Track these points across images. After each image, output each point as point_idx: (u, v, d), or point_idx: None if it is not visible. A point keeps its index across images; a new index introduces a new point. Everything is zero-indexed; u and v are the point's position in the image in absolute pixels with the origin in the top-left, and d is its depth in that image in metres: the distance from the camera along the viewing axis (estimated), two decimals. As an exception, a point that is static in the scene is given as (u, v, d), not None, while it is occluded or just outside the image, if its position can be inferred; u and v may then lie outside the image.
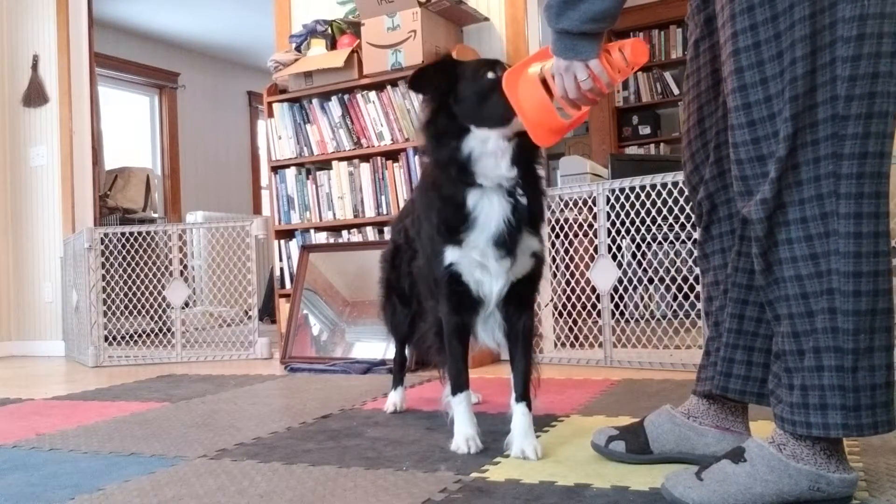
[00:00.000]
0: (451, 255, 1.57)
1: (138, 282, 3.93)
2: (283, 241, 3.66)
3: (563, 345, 3.24)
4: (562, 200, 3.16)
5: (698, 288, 2.68)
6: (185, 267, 4.75)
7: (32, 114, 4.66)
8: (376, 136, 3.39)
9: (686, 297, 2.86)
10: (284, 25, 3.96)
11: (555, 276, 3.17)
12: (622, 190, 2.92)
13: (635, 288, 3.22)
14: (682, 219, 2.74)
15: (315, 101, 3.54)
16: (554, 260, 3.14)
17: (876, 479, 1.29)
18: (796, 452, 1.14)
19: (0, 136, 4.74)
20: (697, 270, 2.40)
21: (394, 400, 2.10)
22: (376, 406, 2.19)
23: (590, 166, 4.05)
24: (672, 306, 3.15)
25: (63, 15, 4.57)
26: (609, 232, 2.93)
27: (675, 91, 6.55)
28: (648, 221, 2.87)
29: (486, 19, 3.42)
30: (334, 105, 3.49)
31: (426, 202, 1.63)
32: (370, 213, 3.42)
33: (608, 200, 2.94)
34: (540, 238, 1.62)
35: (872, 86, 1.09)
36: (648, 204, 2.85)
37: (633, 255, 3.05)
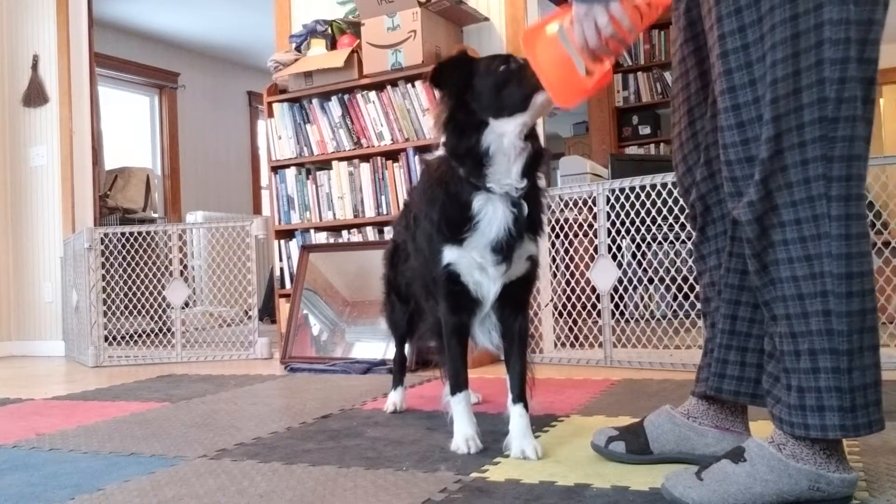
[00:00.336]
0: (449, 254, 1.58)
1: (138, 282, 3.93)
2: (283, 241, 3.66)
3: (563, 345, 3.24)
4: (562, 200, 3.16)
5: (698, 288, 2.68)
6: (185, 267, 4.76)
7: (32, 114, 4.66)
8: (376, 136, 3.39)
9: (686, 297, 2.86)
10: (284, 25, 3.96)
11: (555, 276, 3.17)
12: (622, 190, 2.92)
13: (635, 288, 3.22)
14: (683, 219, 2.74)
15: (315, 101, 3.54)
16: (554, 260, 3.14)
17: (876, 479, 1.29)
18: (796, 452, 1.14)
19: (0, 136, 4.74)
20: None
21: (394, 400, 2.10)
22: (376, 406, 2.19)
23: (590, 166, 4.05)
24: (672, 306, 3.15)
25: (63, 15, 4.57)
26: (609, 232, 2.93)
27: (675, 91, 6.54)
28: (648, 221, 2.87)
29: (486, 19, 3.42)
30: (334, 105, 3.49)
31: (427, 200, 1.63)
32: (370, 213, 3.42)
33: (608, 200, 2.94)
34: (537, 243, 1.63)
35: (861, 90, 1.09)
36: (648, 204, 2.85)
37: (633, 255, 3.05)
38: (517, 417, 1.58)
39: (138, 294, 3.96)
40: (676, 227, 2.77)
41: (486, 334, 1.68)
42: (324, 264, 3.47)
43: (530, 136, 1.56)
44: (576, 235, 3.15)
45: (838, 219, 1.09)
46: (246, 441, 1.79)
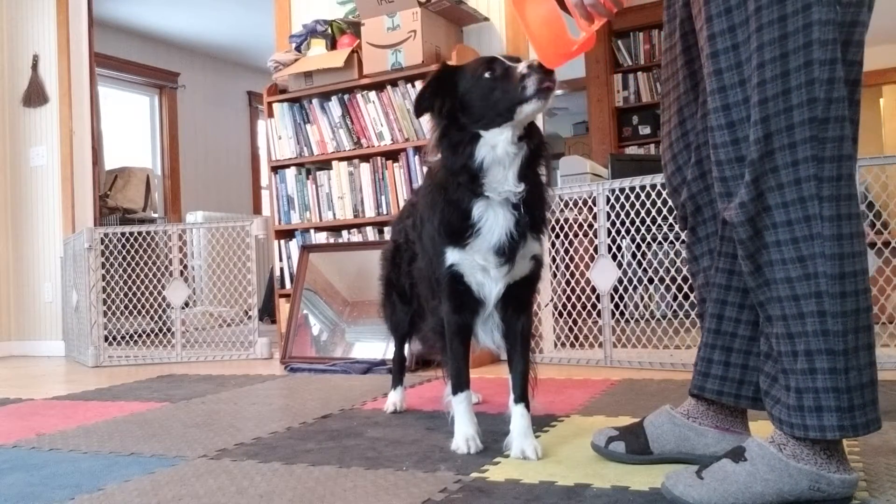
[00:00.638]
0: (452, 256, 1.58)
1: (138, 282, 3.93)
2: (283, 241, 3.66)
3: (563, 345, 3.24)
4: (562, 200, 3.16)
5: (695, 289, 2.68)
6: (185, 267, 4.75)
7: (32, 114, 4.66)
8: (376, 136, 3.39)
9: (686, 297, 2.86)
10: (284, 25, 3.96)
11: (555, 276, 3.17)
12: (622, 190, 2.92)
13: (635, 288, 3.22)
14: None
15: (315, 101, 3.54)
16: (554, 260, 3.14)
17: (876, 479, 1.29)
18: (796, 452, 1.14)
19: (0, 136, 4.74)
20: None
21: (394, 400, 2.10)
22: (376, 406, 2.19)
23: (590, 166, 4.05)
24: (672, 306, 3.15)
25: (63, 15, 4.58)
26: (609, 232, 2.93)
27: (675, 91, 6.54)
28: (648, 221, 2.87)
29: (486, 19, 3.42)
30: (334, 105, 3.49)
31: (430, 204, 1.64)
32: (370, 213, 3.42)
33: (608, 200, 2.94)
34: (541, 242, 1.63)
35: (848, 91, 1.09)
36: (648, 204, 2.85)
37: (633, 255, 3.05)
38: (518, 417, 1.58)
39: (138, 294, 3.96)
40: (676, 227, 2.77)
41: (488, 334, 1.67)
42: (324, 264, 3.47)
43: (526, 134, 1.54)
44: (576, 235, 3.15)
45: (830, 219, 1.09)
46: (246, 441, 1.79)
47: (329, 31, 3.57)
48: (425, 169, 2.57)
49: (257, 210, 8.07)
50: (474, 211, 1.54)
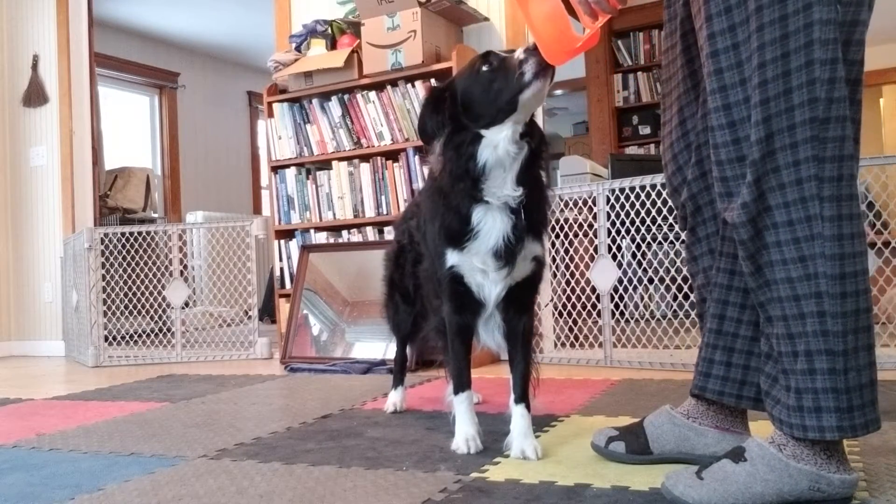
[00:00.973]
0: (452, 257, 1.58)
1: (138, 282, 3.93)
2: (283, 241, 3.66)
3: (563, 345, 3.24)
4: (562, 200, 3.16)
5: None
6: (185, 267, 4.75)
7: (32, 114, 4.66)
8: (376, 136, 3.39)
9: (686, 297, 2.86)
10: (284, 25, 3.96)
11: (555, 276, 3.17)
12: (622, 190, 2.92)
13: (635, 288, 3.22)
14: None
15: (315, 101, 3.54)
16: (554, 260, 3.14)
17: (876, 479, 1.29)
18: (796, 453, 1.14)
19: (0, 136, 4.74)
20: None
21: (394, 400, 2.10)
22: (376, 406, 2.19)
23: (590, 166, 4.05)
24: (672, 306, 3.15)
25: (63, 15, 4.58)
26: (609, 232, 2.93)
27: (675, 91, 6.54)
28: (648, 221, 2.87)
29: (486, 19, 3.42)
30: (334, 105, 3.49)
31: (432, 207, 1.64)
32: (370, 213, 3.42)
33: (608, 200, 2.94)
34: (542, 243, 1.62)
35: (849, 90, 1.09)
36: (648, 204, 2.85)
37: (633, 255, 3.05)
38: (518, 418, 1.58)
39: (138, 294, 3.96)
40: (676, 227, 2.77)
41: (489, 334, 1.68)
42: (324, 264, 3.47)
43: (528, 132, 1.54)
44: (576, 235, 3.15)
45: (831, 219, 1.09)
46: (246, 441, 1.79)
47: (329, 31, 3.57)
48: (426, 169, 2.58)
49: (257, 210, 8.07)
50: (473, 216, 1.54)
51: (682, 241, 2.85)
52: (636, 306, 3.51)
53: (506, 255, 1.54)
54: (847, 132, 1.10)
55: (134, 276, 3.93)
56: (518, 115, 1.50)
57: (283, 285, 3.64)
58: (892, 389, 2.11)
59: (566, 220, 3.16)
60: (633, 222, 2.90)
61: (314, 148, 3.56)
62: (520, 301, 1.63)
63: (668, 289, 3.16)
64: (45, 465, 1.66)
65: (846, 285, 1.09)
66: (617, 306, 3.00)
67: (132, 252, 3.94)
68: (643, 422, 1.49)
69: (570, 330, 3.21)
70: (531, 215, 1.56)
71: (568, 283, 3.17)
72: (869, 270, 1.13)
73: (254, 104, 8.01)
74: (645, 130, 6.74)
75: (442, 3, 3.19)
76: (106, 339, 3.88)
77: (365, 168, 3.43)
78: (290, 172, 3.63)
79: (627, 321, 3.23)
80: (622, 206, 2.91)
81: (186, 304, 4.00)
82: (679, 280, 2.93)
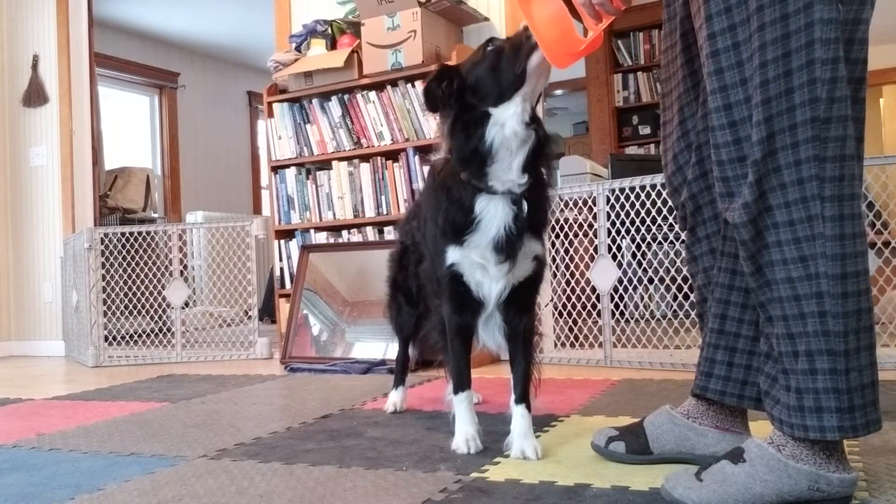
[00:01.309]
0: (452, 255, 1.58)
1: (138, 282, 3.93)
2: (283, 241, 3.66)
3: (563, 345, 3.24)
4: (562, 200, 3.16)
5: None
6: (185, 267, 4.75)
7: (32, 114, 4.66)
8: (376, 136, 3.39)
9: (686, 297, 2.86)
10: (284, 25, 3.96)
11: (555, 276, 3.17)
12: (622, 190, 2.92)
13: (635, 288, 3.22)
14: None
15: (315, 101, 3.54)
16: (554, 260, 3.14)
17: (876, 479, 1.29)
18: (796, 453, 1.14)
19: (0, 136, 4.74)
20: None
21: (394, 400, 2.10)
22: (376, 406, 2.19)
23: (590, 166, 4.05)
24: (672, 306, 3.15)
25: (63, 15, 4.58)
26: (609, 232, 2.93)
27: (675, 91, 6.54)
28: (648, 221, 2.87)
29: (486, 19, 3.42)
30: (334, 105, 3.49)
31: (433, 202, 1.64)
32: (370, 213, 3.42)
33: (608, 200, 2.94)
34: (542, 242, 1.62)
35: (852, 89, 1.09)
36: (648, 204, 2.85)
37: (633, 255, 3.05)
38: (519, 418, 1.58)
39: (138, 294, 3.96)
40: (676, 227, 2.77)
41: (490, 334, 1.67)
42: (324, 264, 3.47)
43: (533, 120, 1.54)
44: (576, 235, 3.15)
45: (832, 219, 1.09)
46: (246, 441, 1.79)
47: (329, 31, 3.57)
48: (426, 169, 2.57)
49: (257, 210, 8.07)
50: (476, 206, 1.53)
51: (682, 241, 2.85)
52: (636, 306, 3.51)
53: (507, 248, 1.53)
54: (849, 132, 1.09)
55: (134, 276, 3.93)
56: (526, 87, 1.50)
57: (283, 285, 3.64)
58: (892, 389, 2.11)
59: (566, 220, 3.16)
60: (633, 222, 2.90)
61: (314, 148, 3.56)
62: (521, 301, 1.63)
63: (668, 289, 3.16)
64: (45, 465, 1.66)
65: (847, 285, 1.09)
66: (617, 306, 3.00)
67: (132, 252, 3.94)
68: (643, 422, 1.49)
69: (570, 330, 3.22)
70: (532, 213, 1.56)
71: (568, 283, 3.17)
72: (869, 270, 1.13)
73: (254, 104, 8.01)
74: (645, 130, 6.74)
75: (442, 3, 3.19)
76: (106, 339, 3.88)
77: (365, 168, 3.43)
78: (290, 172, 3.63)
79: (627, 321, 3.23)
80: (622, 206, 2.91)
81: (186, 304, 4.00)
82: (679, 280, 2.93)
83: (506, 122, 1.50)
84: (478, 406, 2.07)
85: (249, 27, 6.81)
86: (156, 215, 6.07)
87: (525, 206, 1.54)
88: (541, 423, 1.81)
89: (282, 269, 3.65)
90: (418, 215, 1.85)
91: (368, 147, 3.41)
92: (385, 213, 3.37)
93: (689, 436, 1.42)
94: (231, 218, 5.34)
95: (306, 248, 3.51)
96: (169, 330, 4.13)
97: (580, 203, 3.15)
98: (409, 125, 3.30)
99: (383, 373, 2.88)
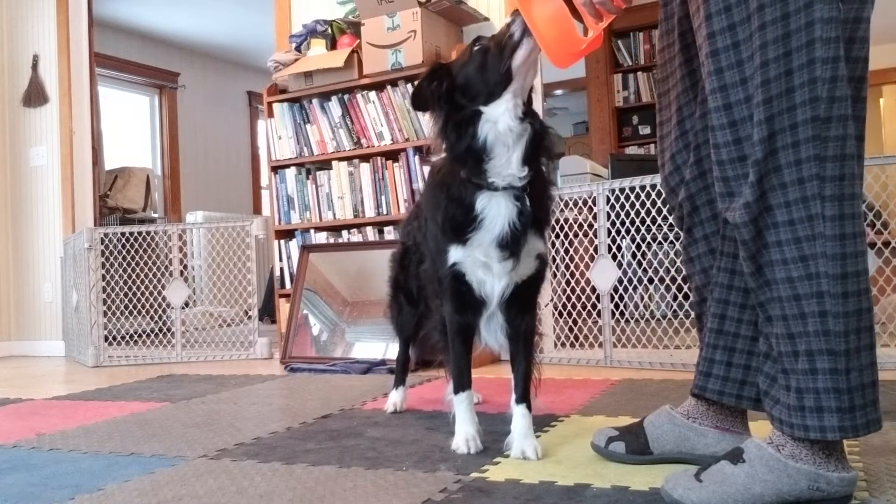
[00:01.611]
0: (454, 254, 1.57)
1: (138, 282, 3.93)
2: (283, 241, 3.66)
3: (563, 345, 3.24)
4: (562, 200, 3.16)
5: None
6: (185, 267, 4.75)
7: (32, 114, 4.66)
8: (376, 136, 3.39)
9: (686, 297, 2.86)
10: (284, 25, 3.96)
11: (555, 276, 3.17)
12: (622, 190, 2.92)
13: (635, 288, 3.22)
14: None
15: (315, 101, 3.54)
16: (554, 260, 3.14)
17: (876, 479, 1.29)
18: (795, 452, 1.14)
19: (0, 136, 4.74)
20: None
21: (394, 400, 2.10)
22: (376, 406, 2.19)
23: (590, 166, 4.05)
24: (672, 306, 3.15)
25: (63, 15, 4.58)
26: (609, 232, 2.93)
27: (675, 91, 6.55)
28: (648, 221, 2.87)
29: (486, 19, 3.42)
30: (334, 105, 3.49)
31: (433, 202, 1.64)
32: (370, 213, 3.42)
33: (608, 200, 2.94)
34: (545, 240, 1.62)
35: (853, 88, 1.09)
36: (648, 204, 2.85)
37: (633, 255, 3.05)
38: (519, 418, 1.58)
39: (138, 294, 3.96)
40: (676, 227, 2.77)
41: (492, 334, 1.67)
42: (324, 264, 3.47)
43: (528, 114, 1.53)
44: (576, 235, 3.15)
45: (832, 219, 1.09)
46: (246, 441, 1.79)
47: (329, 31, 3.57)
48: (426, 169, 2.58)
49: (257, 210, 8.07)
50: (477, 204, 1.53)
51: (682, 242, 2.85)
52: (636, 306, 3.51)
53: (511, 245, 1.53)
54: (849, 131, 1.09)
55: (134, 276, 3.93)
56: (515, 84, 1.50)
57: (283, 285, 3.64)
58: (892, 389, 2.11)
59: (566, 220, 3.16)
60: (633, 222, 2.90)
61: (314, 148, 3.56)
62: (523, 300, 1.62)
63: (668, 289, 3.16)
64: (45, 465, 1.66)
65: (848, 285, 1.09)
66: (617, 306, 3.00)
67: (132, 252, 3.94)
68: (643, 422, 1.49)
69: (570, 330, 3.21)
70: (535, 209, 1.55)
71: (568, 283, 3.17)
72: (869, 270, 1.13)
73: (254, 104, 8.01)
74: (645, 130, 6.74)
75: (442, 3, 3.19)
76: (106, 339, 3.88)
77: (365, 168, 3.43)
78: (290, 172, 3.63)
79: (627, 321, 3.23)
80: (622, 206, 2.91)
81: (186, 304, 4.00)
82: (679, 280, 2.93)
83: (498, 119, 1.50)
84: (478, 406, 2.07)
85: (249, 27, 6.81)
86: (156, 215, 6.07)
87: (528, 200, 1.53)
88: (541, 423, 1.81)
89: (282, 269, 3.65)
90: (419, 216, 1.85)
91: (368, 147, 3.41)
92: (385, 213, 3.37)
93: (689, 436, 1.42)
94: (231, 218, 5.34)
95: (306, 248, 3.51)
96: (169, 330, 4.13)
97: (580, 203, 3.15)
98: (409, 125, 3.30)
99: (383, 373, 2.88)
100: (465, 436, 1.60)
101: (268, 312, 5.36)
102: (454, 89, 1.55)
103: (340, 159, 3.49)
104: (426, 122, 3.23)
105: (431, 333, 1.85)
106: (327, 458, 1.59)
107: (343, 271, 3.42)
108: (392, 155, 3.37)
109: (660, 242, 3.01)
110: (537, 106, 3.25)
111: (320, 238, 3.58)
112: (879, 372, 1.14)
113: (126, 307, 4.07)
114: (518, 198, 1.52)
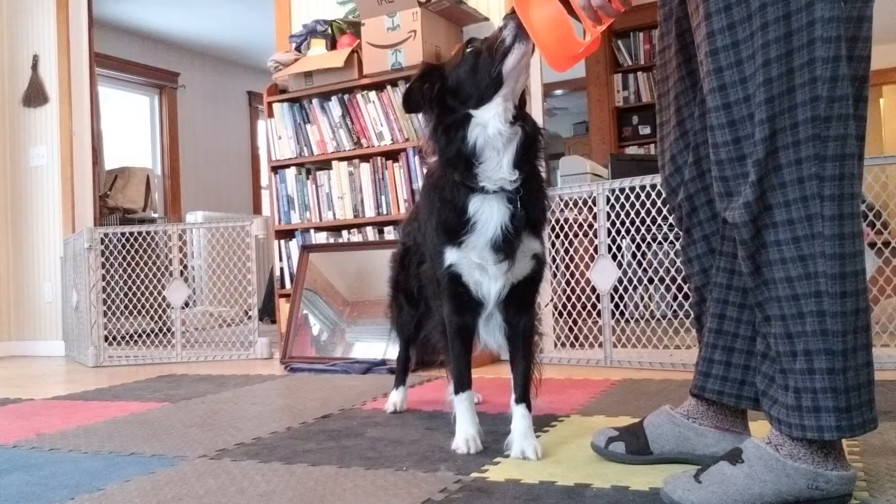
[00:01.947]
0: (450, 255, 1.58)
1: (138, 282, 3.93)
2: (283, 241, 3.66)
3: (563, 345, 3.24)
4: (562, 200, 3.16)
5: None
6: (185, 267, 4.75)
7: (32, 114, 4.66)
8: (376, 136, 3.39)
9: (686, 297, 2.86)
10: (284, 25, 3.96)
11: (555, 276, 3.17)
12: (622, 190, 2.92)
13: (635, 288, 3.22)
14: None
15: (315, 101, 3.54)
16: (554, 260, 3.14)
17: (876, 479, 1.29)
18: (793, 452, 1.14)
19: (0, 136, 4.74)
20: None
21: (394, 400, 2.10)
22: (376, 406, 2.19)
23: (590, 166, 4.05)
24: (672, 306, 3.15)
25: (63, 15, 4.58)
26: (609, 232, 2.93)
27: (675, 91, 6.55)
28: (648, 221, 2.87)
29: (486, 19, 3.42)
30: (334, 105, 3.49)
31: (429, 204, 1.64)
32: (370, 213, 3.42)
33: (608, 200, 2.94)
34: (541, 240, 1.62)
35: (852, 88, 1.09)
36: (648, 204, 2.85)
37: (633, 255, 3.05)
38: (519, 418, 1.58)
39: (138, 294, 3.96)
40: (676, 227, 2.77)
41: (491, 334, 1.67)
42: (324, 264, 3.47)
43: (519, 117, 1.54)
44: (576, 235, 3.15)
45: (831, 219, 1.09)
46: (246, 441, 1.79)
47: (329, 31, 3.57)
48: (426, 169, 2.58)
49: (257, 210, 8.07)
50: (470, 207, 1.53)
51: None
52: (636, 306, 3.51)
53: (505, 247, 1.53)
54: (849, 130, 1.09)
55: (134, 276, 3.93)
56: (505, 88, 1.50)
57: (283, 285, 3.64)
58: (891, 389, 2.11)
59: (566, 220, 3.16)
60: (633, 222, 2.90)
61: (314, 148, 3.56)
62: (521, 300, 1.62)
63: (668, 289, 3.16)
64: (45, 465, 1.66)
65: (846, 285, 1.09)
66: (617, 306, 3.00)
67: (132, 252, 3.94)
68: (643, 422, 1.49)
69: (570, 330, 3.21)
70: (529, 210, 1.55)
71: (568, 283, 3.17)
72: (867, 270, 1.13)
73: (254, 104, 8.01)
74: (645, 130, 6.74)
75: (442, 3, 3.19)
76: (106, 339, 3.88)
77: (365, 168, 3.43)
78: (290, 172, 3.63)
79: (627, 321, 3.23)
80: (622, 206, 2.91)
81: (186, 304, 4.00)
82: (679, 280, 2.93)
83: (488, 123, 1.51)
84: (478, 406, 2.07)
85: (249, 27, 6.81)
86: (156, 215, 6.07)
87: (520, 203, 1.53)
88: (541, 423, 1.81)
89: (282, 269, 3.65)
90: (419, 216, 1.85)
91: (368, 147, 3.41)
92: (385, 213, 3.37)
93: (688, 436, 1.42)
94: (231, 218, 5.34)
95: (306, 248, 3.51)
96: (169, 330, 4.13)
97: (580, 203, 3.15)
98: (409, 125, 3.30)
99: (383, 373, 2.88)
100: (465, 436, 1.60)
101: (268, 312, 5.36)
102: (445, 91, 1.56)
103: (340, 159, 3.49)
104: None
105: (432, 334, 1.85)
106: (327, 458, 1.59)
107: (343, 271, 3.42)
108: (392, 155, 3.37)
109: (660, 242, 3.01)
110: (537, 106, 3.27)
111: (320, 238, 3.58)
112: (879, 372, 1.15)
113: (126, 307, 4.07)
114: (511, 200, 1.52)
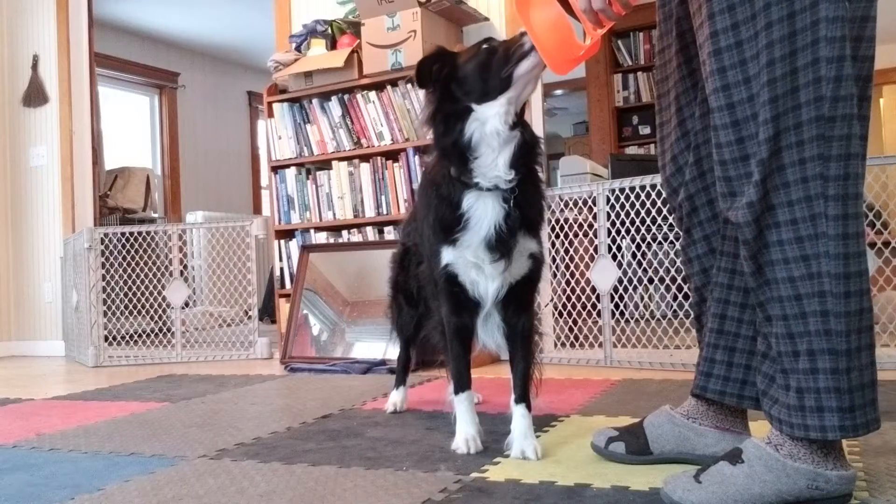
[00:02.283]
0: (446, 255, 1.58)
1: (138, 282, 3.93)
2: (283, 241, 3.66)
3: (563, 345, 3.24)
4: (562, 200, 3.16)
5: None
6: (185, 267, 4.75)
7: (32, 114, 4.66)
8: (376, 136, 3.39)
9: (686, 297, 2.86)
10: (284, 25, 3.96)
11: (555, 276, 3.17)
12: (622, 190, 2.92)
13: (635, 288, 3.22)
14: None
15: (315, 101, 3.54)
16: (554, 260, 3.14)
17: (876, 479, 1.29)
18: (793, 452, 1.14)
19: (0, 136, 4.74)
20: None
21: (394, 400, 2.10)
22: (376, 406, 2.19)
23: (590, 166, 4.05)
24: (672, 306, 3.15)
25: (63, 15, 4.58)
26: (609, 232, 2.93)
27: (675, 91, 6.55)
28: (648, 221, 2.87)
29: (486, 19, 3.42)
30: (334, 105, 3.49)
31: (425, 202, 1.64)
32: (370, 213, 3.42)
33: (608, 200, 2.94)
34: (538, 240, 1.62)
35: (857, 87, 1.09)
36: (648, 204, 2.85)
37: (633, 255, 3.05)
38: (519, 418, 1.58)
39: (138, 294, 3.96)
40: (676, 227, 2.77)
41: (489, 334, 1.67)
42: (324, 264, 3.47)
43: (519, 123, 1.54)
44: (576, 235, 3.15)
45: (835, 218, 1.09)
46: (246, 441, 1.79)
47: (329, 31, 3.57)
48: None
49: (257, 210, 8.07)
50: (464, 202, 1.53)
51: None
52: (636, 306, 3.51)
53: (499, 246, 1.53)
54: (853, 130, 1.09)
55: (134, 276, 3.93)
56: (511, 91, 1.50)
57: (283, 285, 3.64)
58: (892, 389, 2.11)
59: (566, 220, 3.16)
60: (633, 222, 2.90)
61: (314, 148, 3.56)
62: (519, 300, 1.62)
63: (668, 289, 3.16)
64: (45, 465, 1.66)
65: (850, 284, 1.09)
66: (617, 306, 3.00)
67: (132, 252, 3.94)
68: (643, 422, 1.49)
69: (570, 330, 3.21)
70: (525, 209, 1.55)
71: (568, 283, 3.17)
72: (869, 270, 1.13)
73: (254, 104, 8.01)
74: (645, 130, 6.74)
75: (442, 3, 3.19)
76: (106, 339, 3.88)
77: (365, 168, 3.43)
78: (290, 172, 3.63)
79: (627, 321, 3.23)
80: (622, 206, 2.91)
81: (186, 304, 4.00)
82: (679, 280, 2.93)
83: (487, 120, 1.51)
84: (478, 406, 2.07)
85: (249, 27, 6.81)
86: (156, 215, 6.07)
87: (513, 203, 1.53)
88: (541, 423, 1.81)
89: (282, 269, 3.65)
90: (417, 216, 1.85)
91: (368, 147, 3.41)
92: (385, 213, 3.37)
93: (689, 436, 1.42)
94: (231, 218, 5.34)
95: (306, 248, 3.51)
96: (169, 330, 4.13)
97: (580, 203, 3.15)
98: (409, 125, 3.30)
99: (383, 373, 2.88)
100: (465, 436, 1.60)
101: (268, 312, 5.36)
102: (452, 79, 1.56)
103: (340, 159, 3.49)
104: (424, 105, 3.22)
105: (431, 334, 1.85)
106: (327, 458, 1.59)
107: (343, 271, 3.42)
108: (392, 155, 3.37)
109: (660, 242, 3.01)
110: (537, 106, 3.26)
111: (320, 238, 3.58)
112: (879, 372, 1.15)
113: (126, 307, 4.07)
114: (506, 199, 1.52)
